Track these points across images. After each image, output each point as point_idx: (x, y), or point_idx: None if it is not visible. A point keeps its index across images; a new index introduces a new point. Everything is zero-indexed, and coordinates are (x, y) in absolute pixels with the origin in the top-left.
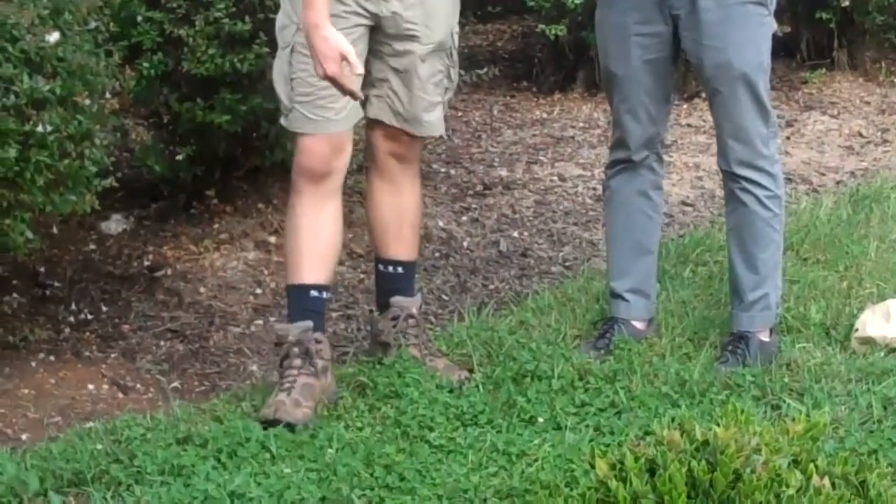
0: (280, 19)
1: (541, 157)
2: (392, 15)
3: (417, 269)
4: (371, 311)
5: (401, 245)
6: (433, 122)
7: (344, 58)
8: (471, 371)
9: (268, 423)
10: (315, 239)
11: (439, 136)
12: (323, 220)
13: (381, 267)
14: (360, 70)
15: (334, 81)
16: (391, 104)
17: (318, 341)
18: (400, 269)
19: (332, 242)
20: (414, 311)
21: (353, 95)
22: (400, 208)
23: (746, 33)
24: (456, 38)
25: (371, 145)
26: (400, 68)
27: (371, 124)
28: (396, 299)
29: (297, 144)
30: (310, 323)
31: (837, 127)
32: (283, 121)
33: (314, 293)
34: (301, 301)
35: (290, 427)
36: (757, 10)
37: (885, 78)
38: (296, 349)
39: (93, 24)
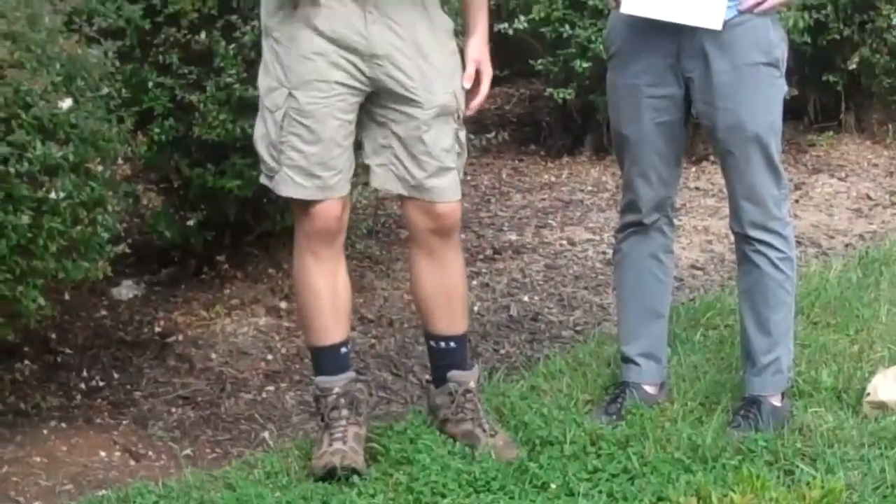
0: (265, 81)
1: (550, 221)
2: (389, 78)
3: None
4: (427, 381)
5: (451, 320)
6: (444, 187)
7: None
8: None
9: (328, 474)
10: (335, 298)
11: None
12: (339, 279)
13: (432, 343)
14: None
15: None
16: (396, 171)
17: (361, 391)
18: (452, 344)
19: (348, 298)
20: (472, 384)
21: None
22: (445, 284)
23: (759, 95)
24: (461, 99)
25: (408, 221)
26: (403, 134)
27: (403, 202)
28: (454, 374)
29: (301, 210)
30: (353, 374)
31: (846, 189)
32: (264, 180)
33: (343, 349)
34: (334, 360)
35: (348, 474)
36: (769, 71)
37: (893, 140)
38: (342, 400)
39: (105, 90)
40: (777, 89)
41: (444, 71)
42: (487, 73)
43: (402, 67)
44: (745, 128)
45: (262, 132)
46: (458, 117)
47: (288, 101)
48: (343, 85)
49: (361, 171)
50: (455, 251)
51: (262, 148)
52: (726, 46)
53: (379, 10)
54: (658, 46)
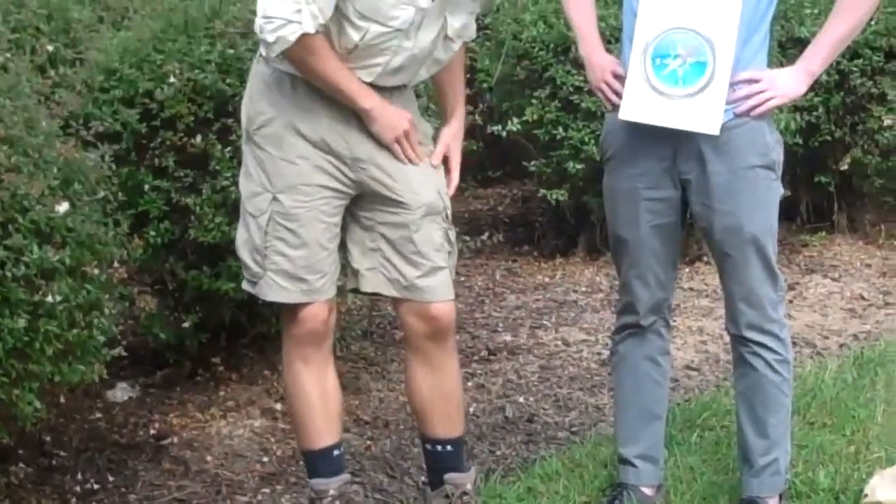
0: (247, 187)
1: (544, 322)
2: (373, 181)
3: None
4: (424, 483)
5: (448, 424)
6: (436, 286)
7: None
8: None
9: None
10: (326, 402)
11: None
12: (329, 383)
13: (428, 446)
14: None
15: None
16: (387, 274)
17: (356, 493)
18: (449, 447)
19: (339, 400)
20: (468, 486)
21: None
22: (442, 388)
23: (756, 197)
24: (446, 198)
25: (403, 326)
26: (392, 236)
27: (397, 305)
28: (450, 476)
29: (288, 315)
30: (348, 476)
31: (839, 290)
32: (247, 286)
33: (336, 452)
34: (328, 462)
35: None
36: (766, 174)
37: (886, 241)
38: (338, 502)
39: (101, 194)
40: (774, 192)
41: (426, 170)
42: (456, 160)
43: (386, 169)
44: (742, 230)
45: (245, 237)
46: (446, 217)
47: (272, 205)
48: (327, 188)
49: (351, 275)
50: (451, 355)
51: (244, 253)
52: (723, 149)
53: (362, 116)
54: (655, 150)
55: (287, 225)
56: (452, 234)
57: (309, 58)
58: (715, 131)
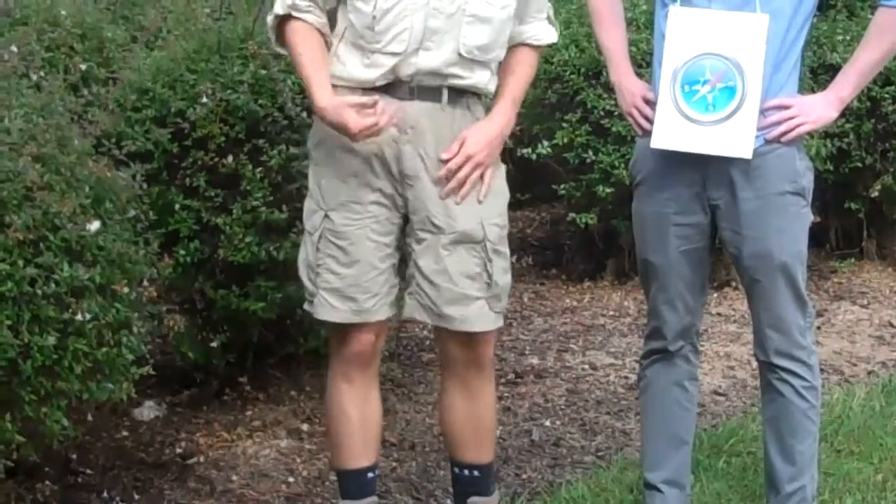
0: (308, 205)
1: (572, 346)
2: (415, 199)
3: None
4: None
5: (478, 450)
6: (469, 317)
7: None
8: None
9: None
10: (365, 424)
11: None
12: (370, 405)
13: (456, 470)
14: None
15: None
16: (420, 300)
17: None
18: (476, 473)
19: (379, 423)
20: None
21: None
22: (475, 415)
23: (785, 223)
24: (492, 231)
25: (440, 350)
26: (420, 261)
27: (436, 331)
28: (474, 500)
29: (336, 334)
30: (376, 498)
31: (868, 317)
32: (307, 305)
33: (370, 475)
34: (360, 484)
35: None
36: (795, 200)
37: None
38: None
39: (132, 213)
40: (803, 218)
41: (470, 199)
42: (466, 154)
43: (428, 190)
44: (772, 256)
45: (303, 256)
46: (487, 248)
47: (324, 222)
48: (378, 205)
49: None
50: (487, 383)
51: (302, 271)
52: (753, 175)
53: (414, 131)
54: (685, 175)
55: (337, 242)
56: (495, 268)
57: (286, 44)
58: (748, 155)
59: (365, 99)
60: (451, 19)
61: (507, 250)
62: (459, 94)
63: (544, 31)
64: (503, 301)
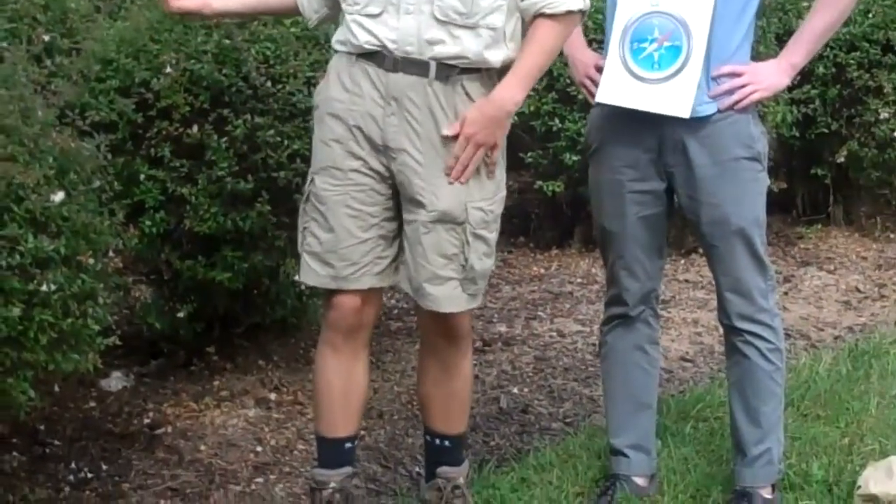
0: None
1: (539, 313)
2: (401, 174)
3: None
4: (418, 474)
5: (447, 421)
6: (440, 297)
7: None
8: None
9: None
10: (348, 396)
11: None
12: (355, 376)
13: (428, 438)
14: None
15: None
16: (405, 271)
17: (357, 487)
18: (447, 443)
19: (362, 395)
20: (460, 480)
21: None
22: (448, 387)
23: (741, 189)
24: (475, 215)
25: (418, 322)
26: (409, 234)
27: (417, 304)
28: (442, 469)
29: (324, 298)
30: (350, 469)
31: (834, 282)
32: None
33: (348, 445)
34: (337, 453)
35: None
36: (751, 165)
37: (881, 233)
38: (338, 495)
39: (97, 184)
40: (760, 183)
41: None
42: (465, 134)
43: (415, 164)
44: (728, 222)
45: (300, 217)
46: (466, 231)
47: (310, 185)
48: (359, 173)
49: None
50: (462, 358)
51: (298, 233)
52: (707, 141)
53: (398, 104)
54: (638, 141)
55: (318, 206)
56: (472, 251)
57: None
58: (685, 114)
59: None
60: None
61: (491, 236)
62: (450, 70)
63: None
64: (479, 284)
